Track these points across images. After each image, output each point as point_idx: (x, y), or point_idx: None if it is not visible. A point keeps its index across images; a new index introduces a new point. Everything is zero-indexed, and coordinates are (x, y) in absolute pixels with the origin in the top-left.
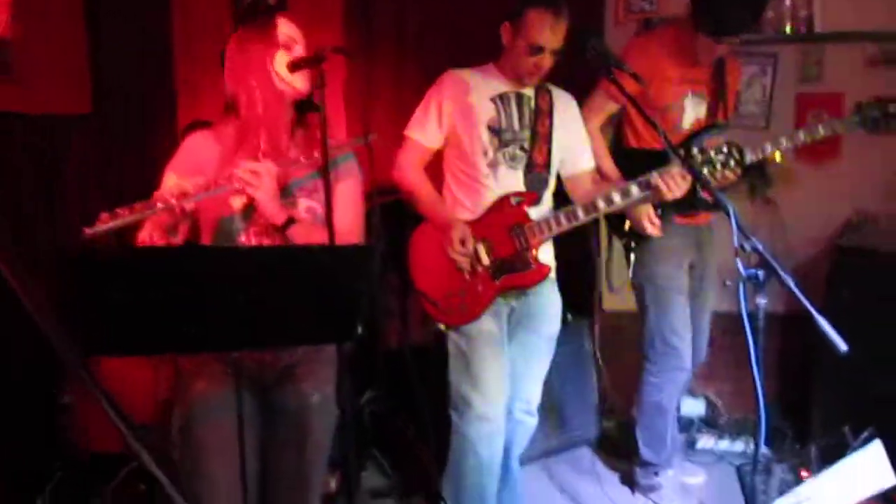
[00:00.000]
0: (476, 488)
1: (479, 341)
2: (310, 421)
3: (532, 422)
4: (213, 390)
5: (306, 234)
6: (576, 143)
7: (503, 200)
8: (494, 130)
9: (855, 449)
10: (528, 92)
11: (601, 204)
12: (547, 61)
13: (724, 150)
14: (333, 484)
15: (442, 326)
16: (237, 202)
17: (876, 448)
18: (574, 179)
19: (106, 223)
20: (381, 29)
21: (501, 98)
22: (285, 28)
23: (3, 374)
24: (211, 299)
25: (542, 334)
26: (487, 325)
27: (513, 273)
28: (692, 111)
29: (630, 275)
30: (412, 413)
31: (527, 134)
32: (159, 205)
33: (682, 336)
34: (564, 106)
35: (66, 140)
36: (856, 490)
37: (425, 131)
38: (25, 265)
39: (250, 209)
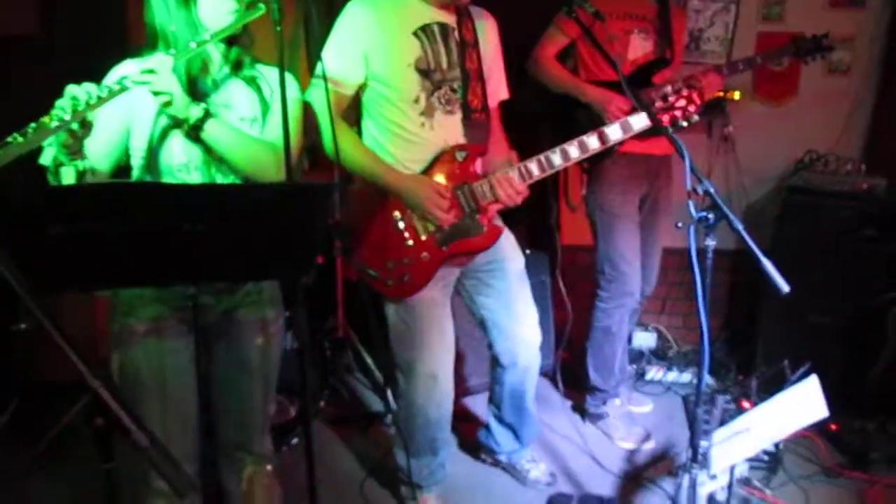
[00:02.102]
0: (427, 441)
1: (421, 309)
2: (254, 362)
3: (537, 362)
4: (153, 331)
5: (227, 133)
6: (496, 72)
7: (446, 156)
8: (423, 71)
9: (792, 383)
10: (451, 21)
11: (557, 160)
12: None
13: (685, 92)
14: (293, 411)
15: (372, 272)
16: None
17: (812, 382)
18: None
19: None
20: None
21: (424, 31)
22: None
23: None
24: (165, 234)
25: (510, 274)
26: (429, 293)
27: (462, 238)
28: (639, 46)
29: (583, 193)
30: (370, 344)
31: (456, 72)
32: (54, 124)
33: (631, 262)
34: (487, 31)
35: (9, 63)
36: (792, 421)
37: (343, 79)
38: None
39: (174, 133)
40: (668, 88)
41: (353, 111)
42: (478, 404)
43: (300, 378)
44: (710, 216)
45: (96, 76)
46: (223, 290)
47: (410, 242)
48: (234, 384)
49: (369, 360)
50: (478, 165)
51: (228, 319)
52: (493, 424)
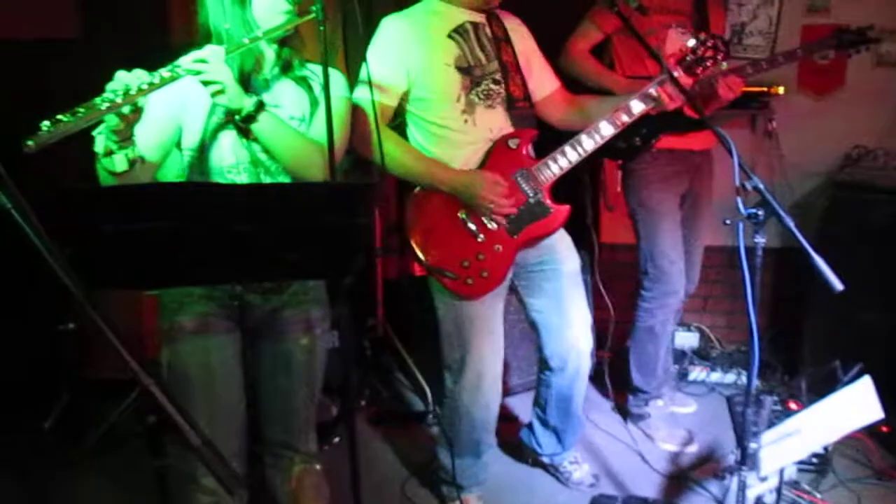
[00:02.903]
0: (472, 443)
1: (471, 310)
2: (300, 362)
3: (587, 367)
4: (201, 328)
5: (278, 126)
6: (541, 65)
7: (499, 146)
8: (463, 69)
9: (845, 383)
10: (480, 19)
11: (607, 128)
12: None
13: (710, 42)
14: (334, 410)
15: (451, 274)
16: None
17: (865, 383)
18: (546, 102)
19: (49, 132)
20: None
21: (458, 32)
22: None
23: (7, 302)
24: (211, 234)
25: (565, 274)
26: None
27: (532, 223)
28: (677, 40)
29: (618, 190)
30: (410, 341)
31: (495, 65)
32: (104, 105)
33: (673, 260)
34: (516, 28)
35: (51, 66)
36: (844, 423)
37: (386, 89)
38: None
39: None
40: (694, 41)
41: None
42: (519, 404)
43: (344, 378)
44: (760, 213)
45: None
46: (270, 289)
47: (482, 237)
48: (279, 383)
49: (409, 361)
50: (531, 150)
51: (274, 318)
52: (537, 426)
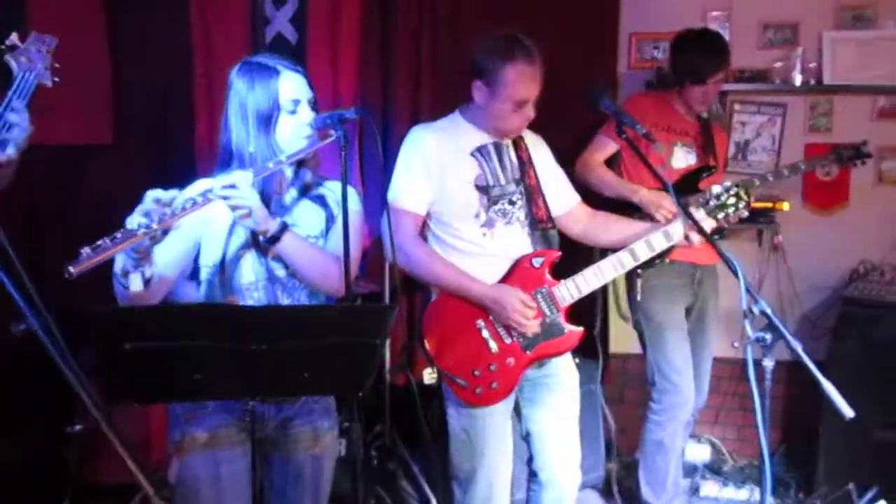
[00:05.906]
0: None
1: (483, 420)
2: (308, 472)
3: (577, 481)
4: (213, 441)
5: (300, 245)
6: (559, 181)
7: (524, 262)
8: (482, 188)
9: None
10: (505, 140)
11: (628, 259)
12: (531, 110)
13: (733, 191)
14: None
15: (426, 375)
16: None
17: None
18: (567, 217)
19: (90, 258)
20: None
21: (481, 151)
22: (289, 87)
23: (12, 403)
24: (228, 353)
25: (567, 388)
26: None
27: (546, 341)
28: (682, 157)
29: (628, 309)
30: (417, 450)
31: (512, 187)
32: (141, 231)
33: (681, 372)
34: (537, 147)
35: (86, 170)
36: None
37: (416, 197)
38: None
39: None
40: (719, 188)
41: None
42: None
43: (351, 488)
44: (768, 336)
45: (165, 182)
46: (283, 399)
47: (496, 349)
48: (287, 494)
49: (416, 469)
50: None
51: (285, 428)
52: None
